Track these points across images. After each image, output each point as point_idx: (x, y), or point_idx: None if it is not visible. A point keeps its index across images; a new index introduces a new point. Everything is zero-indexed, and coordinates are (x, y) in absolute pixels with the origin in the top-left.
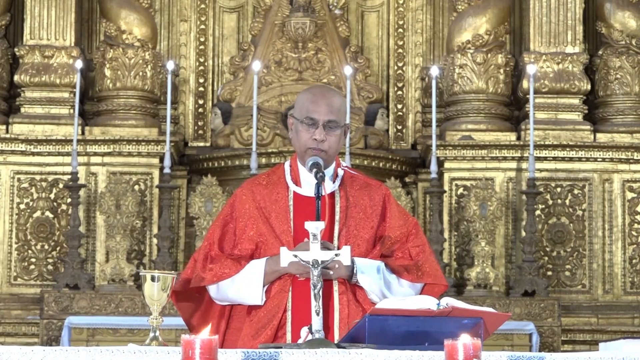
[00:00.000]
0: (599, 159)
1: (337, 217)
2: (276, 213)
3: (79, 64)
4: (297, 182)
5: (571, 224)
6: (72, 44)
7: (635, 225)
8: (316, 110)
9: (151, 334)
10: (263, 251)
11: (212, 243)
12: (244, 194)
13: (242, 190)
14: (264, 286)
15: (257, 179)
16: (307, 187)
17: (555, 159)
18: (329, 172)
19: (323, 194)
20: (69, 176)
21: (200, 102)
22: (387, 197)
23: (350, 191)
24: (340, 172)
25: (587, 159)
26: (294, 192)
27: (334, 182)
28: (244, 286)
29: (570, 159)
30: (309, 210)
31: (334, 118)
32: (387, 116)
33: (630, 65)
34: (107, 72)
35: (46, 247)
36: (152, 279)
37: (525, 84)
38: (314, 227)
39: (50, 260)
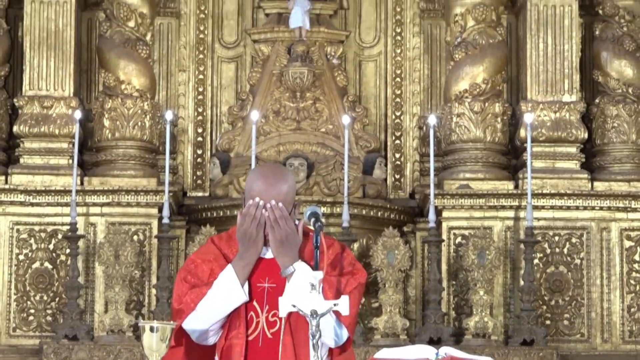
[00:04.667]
0: (596, 208)
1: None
2: None
3: (77, 115)
4: None
5: (569, 273)
6: (71, 95)
7: (633, 274)
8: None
9: None
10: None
11: (182, 280)
12: (206, 245)
13: (204, 245)
14: (242, 285)
15: (217, 235)
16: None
17: (553, 207)
18: None
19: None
20: (68, 227)
21: (199, 152)
22: (339, 253)
23: (306, 250)
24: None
25: (585, 208)
26: None
27: None
28: (223, 292)
29: (568, 208)
30: (260, 269)
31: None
32: (385, 165)
33: (627, 113)
34: (106, 123)
35: (45, 297)
36: (151, 329)
37: (522, 132)
38: (312, 277)
39: (49, 311)
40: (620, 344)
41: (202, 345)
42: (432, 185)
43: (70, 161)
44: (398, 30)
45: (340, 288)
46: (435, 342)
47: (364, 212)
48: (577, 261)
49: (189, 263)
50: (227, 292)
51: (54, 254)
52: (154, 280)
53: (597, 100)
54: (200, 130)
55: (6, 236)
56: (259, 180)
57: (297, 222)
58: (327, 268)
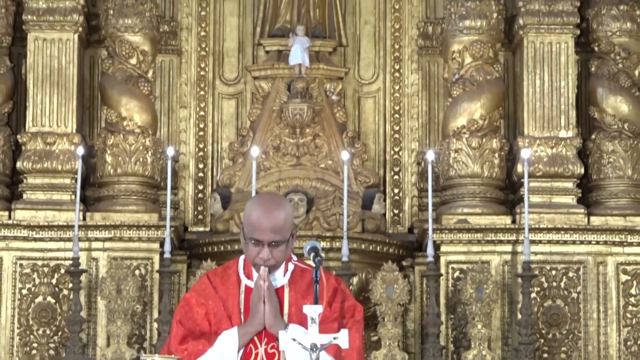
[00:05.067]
0: (593, 242)
1: (285, 311)
2: (230, 303)
3: (80, 151)
4: (249, 276)
5: (566, 307)
6: (74, 131)
7: (630, 308)
8: (260, 231)
9: None
10: (216, 328)
11: (178, 322)
12: (202, 281)
13: (199, 281)
14: (239, 349)
15: (213, 270)
16: None
17: (550, 242)
18: (280, 272)
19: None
20: (71, 261)
21: (200, 187)
22: (336, 288)
23: (301, 285)
24: (291, 266)
25: (582, 242)
26: (245, 285)
27: (284, 276)
28: (221, 351)
29: (565, 242)
30: None
31: (279, 238)
32: (384, 200)
33: (623, 149)
34: (108, 158)
35: (48, 332)
36: None
37: (519, 168)
38: (312, 311)
39: (52, 345)
40: None
41: None
42: (430, 220)
43: (73, 197)
44: (396, 67)
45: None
46: None
47: (363, 246)
48: (574, 295)
49: (183, 304)
50: (224, 353)
51: (56, 289)
52: (155, 315)
53: (593, 136)
54: (201, 166)
55: (9, 271)
56: (257, 209)
57: (293, 256)
58: (325, 307)
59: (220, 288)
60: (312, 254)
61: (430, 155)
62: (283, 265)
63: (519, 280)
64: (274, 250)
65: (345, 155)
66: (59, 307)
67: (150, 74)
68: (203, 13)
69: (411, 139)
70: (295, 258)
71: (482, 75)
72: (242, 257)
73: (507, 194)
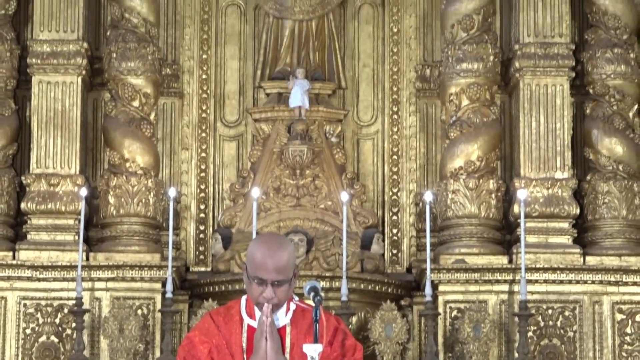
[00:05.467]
0: (588, 282)
1: (287, 349)
2: (232, 342)
3: (83, 192)
4: (252, 315)
5: (562, 345)
6: (77, 173)
7: (625, 346)
8: (264, 271)
9: None
10: None
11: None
12: (205, 320)
13: (202, 320)
14: None
15: (215, 310)
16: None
17: (546, 281)
18: (282, 311)
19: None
20: (74, 301)
21: (201, 227)
22: (337, 328)
23: (302, 324)
24: (293, 306)
25: (577, 282)
26: (248, 325)
27: (285, 315)
28: None
29: (561, 282)
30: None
31: (282, 278)
32: (383, 241)
33: (618, 190)
34: (111, 200)
35: None
36: None
37: (516, 208)
38: (312, 350)
39: None
40: None
41: None
42: (428, 260)
43: (76, 237)
44: (395, 109)
45: None
46: None
47: (362, 286)
48: (570, 334)
49: (187, 343)
50: None
51: (60, 328)
52: (157, 354)
53: (588, 177)
54: (202, 207)
55: (13, 310)
56: (261, 249)
57: (294, 296)
58: (325, 346)
59: (223, 327)
60: (312, 294)
61: (428, 196)
62: (285, 305)
63: (516, 319)
64: (277, 289)
65: (344, 196)
66: (63, 347)
67: (152, 116)
68: (204, 56)
69: (409, 180)
70: (296, 298)
71: (479, 117)
72: (244, 297)
73: (503, 234)
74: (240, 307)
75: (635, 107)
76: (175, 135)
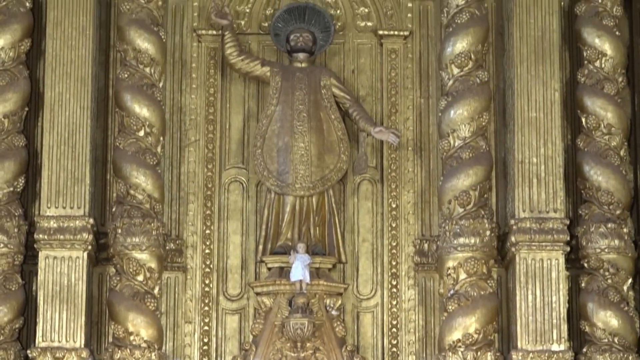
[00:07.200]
0: None
1: None
2: None
3: None
4: None
5: None
6: (82, 346)
7: None
8: None
9: None
10: None
11: None
12: None
13: None
14: None
15: None
16: None
17: None
18: None
19: None
20: None
21: None
22: None
23: None
24: None
25: None
26: None
27: None
28: None
29: None
30: None
31: None
32: None
33: None
34: None
35: None
36: None
37: None
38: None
39: None
40: None
41: None
42: None
43: None
44: (394, 282)
45: None
46: None
47: None
48: None
49: None
50: None
51: None
52: None
53: (584, 349)
54: None
55: None
56: None
57: None
58: None
59: None
60: None
61: None
62: None
63: None
64: None
65: None
66: None
67: (156, 290)
68: (208, 232)
69: (408, 352)
70: None
71: (476, 290)
72: None
73: None
74: None
75: (630, 280)
76: (179, 308)
